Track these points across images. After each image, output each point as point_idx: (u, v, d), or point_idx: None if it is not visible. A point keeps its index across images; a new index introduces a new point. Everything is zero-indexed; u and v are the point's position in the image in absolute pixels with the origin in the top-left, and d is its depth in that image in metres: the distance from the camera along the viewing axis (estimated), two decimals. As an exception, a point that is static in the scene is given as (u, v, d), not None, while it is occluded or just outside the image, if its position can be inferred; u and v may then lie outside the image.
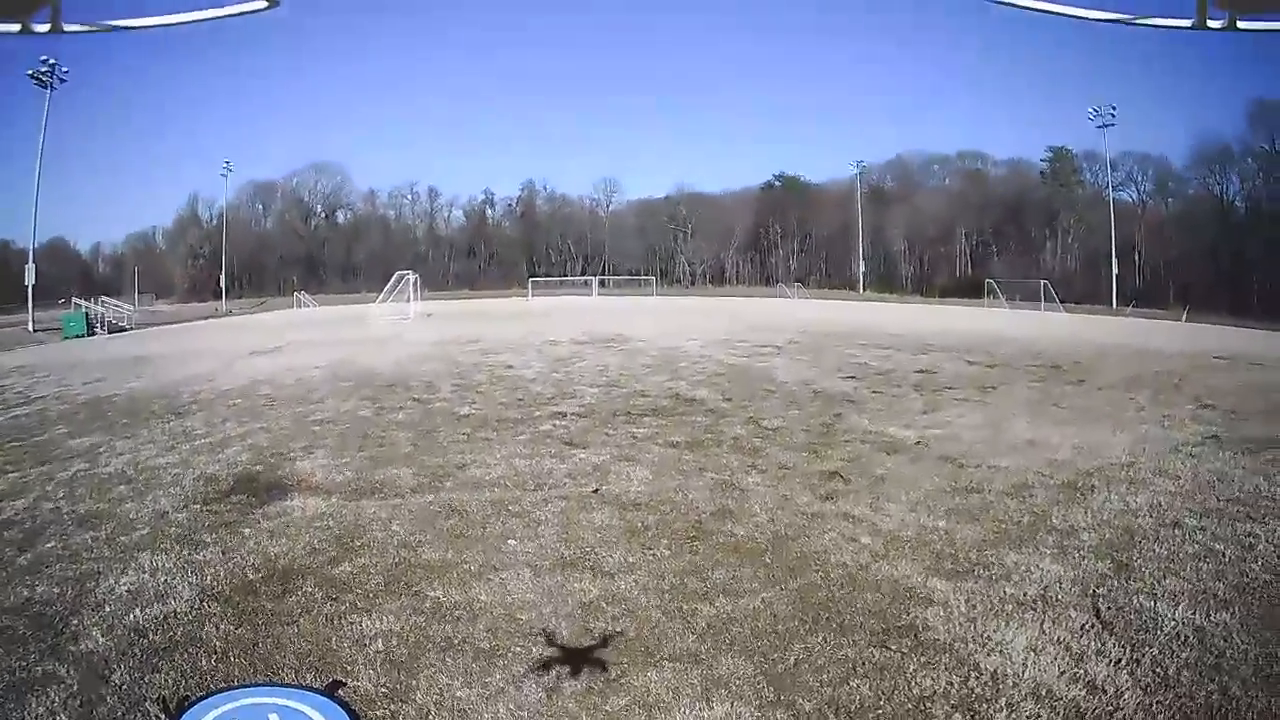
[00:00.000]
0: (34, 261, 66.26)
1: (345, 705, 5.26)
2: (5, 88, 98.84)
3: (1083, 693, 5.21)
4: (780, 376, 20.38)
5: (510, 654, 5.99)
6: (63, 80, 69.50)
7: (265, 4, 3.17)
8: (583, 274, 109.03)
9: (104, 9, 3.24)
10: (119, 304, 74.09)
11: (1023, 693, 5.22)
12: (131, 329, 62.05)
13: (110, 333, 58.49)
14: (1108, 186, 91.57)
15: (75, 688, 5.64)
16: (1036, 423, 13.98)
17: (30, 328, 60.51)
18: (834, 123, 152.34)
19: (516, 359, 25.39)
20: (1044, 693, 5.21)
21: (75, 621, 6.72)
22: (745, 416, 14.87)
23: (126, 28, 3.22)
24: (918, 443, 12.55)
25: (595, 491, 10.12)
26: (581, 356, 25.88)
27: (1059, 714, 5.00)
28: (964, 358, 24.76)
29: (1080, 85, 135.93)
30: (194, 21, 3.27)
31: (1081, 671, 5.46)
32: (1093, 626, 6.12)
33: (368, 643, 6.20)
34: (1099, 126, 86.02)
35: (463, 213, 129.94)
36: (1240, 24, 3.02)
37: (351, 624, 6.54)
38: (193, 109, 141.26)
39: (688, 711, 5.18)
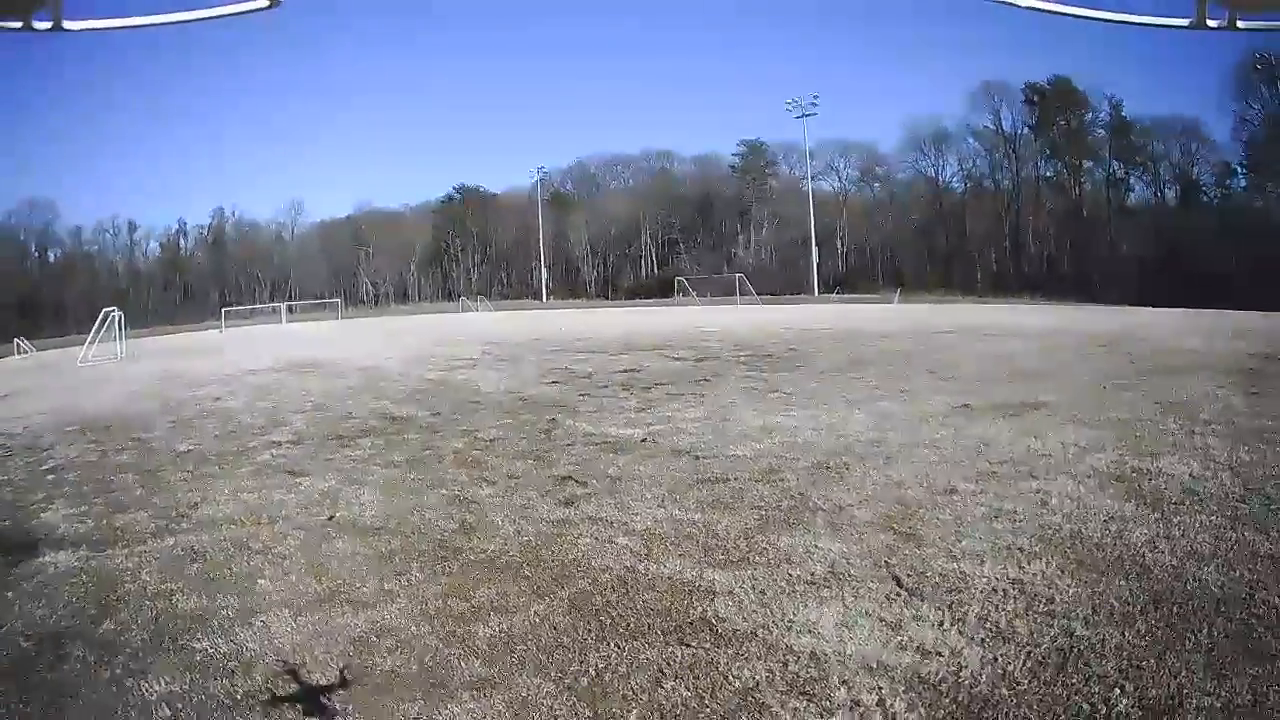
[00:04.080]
0: None
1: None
2: None
3: (916, 658, 5.28)
4: (483, 388, 20.55)
5: (299, 705, 5.79)
6: None
7: (266, 3, 3.25)
8: (271, 300, 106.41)
9: (104, 7, 3.31)
10: None
11: (852, 668, 5.24)
12: None
13: None
14: (806, 176, 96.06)
15: None
16: (764, 410, 14.47)
17: None
18: (513, 131, 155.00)
19: (221, 390, 25.18)
20: (875, 664, 5.25)
21: None
22: (459, 430, 14.89)
23: (127, 27, 3.29)
24: (644, 440, 12.74)
25: (331, 519, 10.14)
26: (283, 384, 25.93)
27: (900, 681, 5.05)
28: (666, 355, 25.50)
29: (782, 77, 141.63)
30: (193, 21, 3.37)
31: (905, 638, 5.55)
32: (899, 595, 6.26)
33: (153, 709, 5.87)
34: (798, 118, 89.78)
35: (159, 245, 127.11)
36: (1240, 23, 3.10)
37: (131, 689, 6.19)
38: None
39: (506, 740, 5.04)
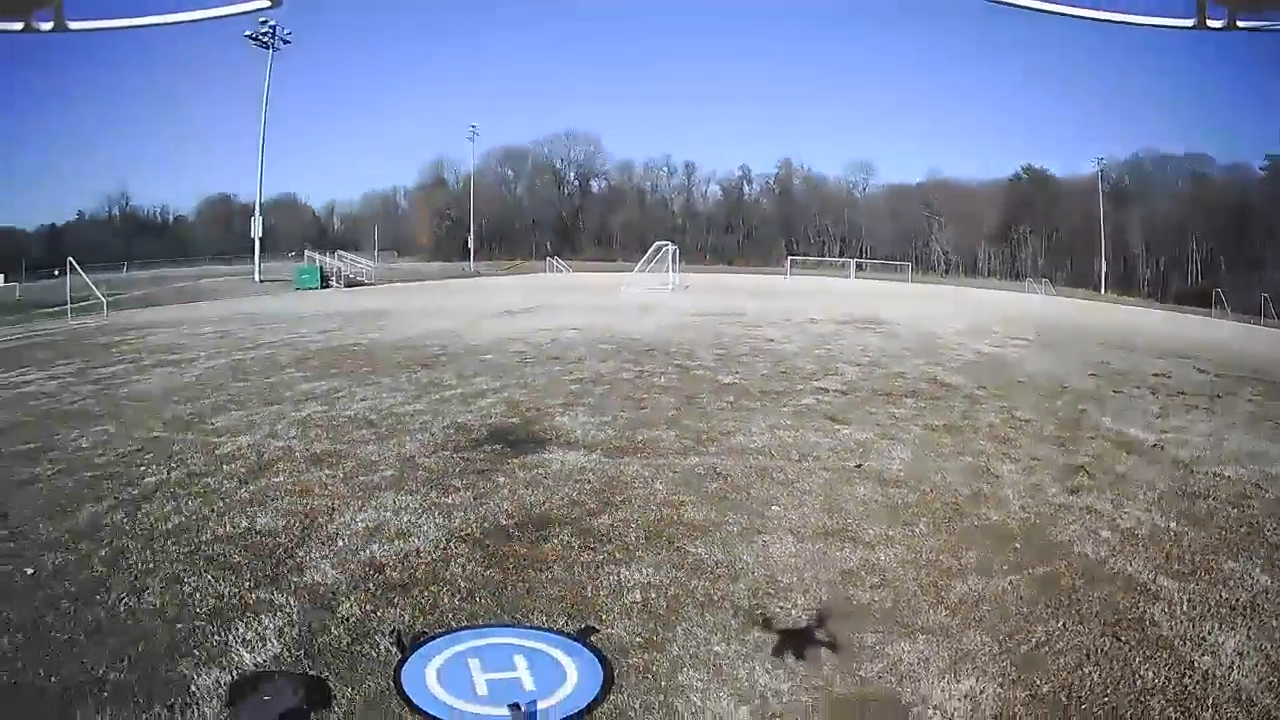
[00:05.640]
0: (260, 214, 65.34)
1: (596, 651, 5.25)
2: (225, 55, 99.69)
3: (1275, 702, 5.23)
4: (1030, 369, 20.06)
5: (769, 614, 5.95)
6: (285, 42, 65.59)
7: (268, 2, 3.01)
8: (840, 255, 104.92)
9: (106, 7, 3.08)
10: (357, 258, 73.22)
11: (1226, 695, 5.18)
12: (370, 284, 61.72)
13: (347, 286, 58.35)
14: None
15: (294, 615, 5.67)
16: (1256, 436, 13.58)
17: (256, 278, 60.52)
18: (1071, 116, 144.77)
19: (777, 333, 25.00)
20: (1244, 698, 5.18)
21: (301, 553, 6.81)
22: (999, 406, 14.73)
23: (128, 27, 3.05)
24: (1155, 445, 12.42)
25: (858, 467, 10.04)
26: (842, 335, 25.34)
27: (1254, 720, 5.14)
28: (1193, 364, 23.80)
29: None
30: (194, 21, 3.12)
31: (1276, 680, 5.48)
32: (1291, 639, 6.16)
33: (625, 592, 6.18)
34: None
35: (720, 188, 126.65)
36: (1240, 23, 2.94)
37: (609, 574, 6.51)
38: (427, 74, 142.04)
39: (935, 683, 5.13)
